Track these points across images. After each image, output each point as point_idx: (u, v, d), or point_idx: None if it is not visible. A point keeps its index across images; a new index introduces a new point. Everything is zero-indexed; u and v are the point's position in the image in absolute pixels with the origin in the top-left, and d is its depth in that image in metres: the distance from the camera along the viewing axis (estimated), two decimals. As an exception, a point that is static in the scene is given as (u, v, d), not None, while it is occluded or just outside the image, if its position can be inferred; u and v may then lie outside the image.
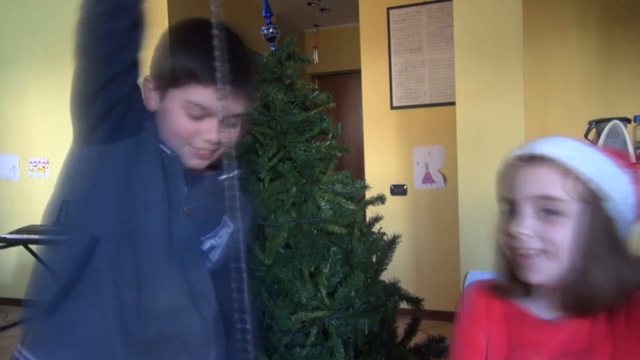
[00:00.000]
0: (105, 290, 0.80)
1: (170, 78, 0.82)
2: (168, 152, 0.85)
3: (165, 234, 0.83)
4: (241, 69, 0.82)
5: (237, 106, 0.83)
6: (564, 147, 0.73)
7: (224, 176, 0.88)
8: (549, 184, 0.71)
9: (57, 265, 0.82)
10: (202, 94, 0.80)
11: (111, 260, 0.80)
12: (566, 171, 0.71)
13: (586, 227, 0.70)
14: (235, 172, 0.84)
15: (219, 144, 0.85)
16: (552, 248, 0.71)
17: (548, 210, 0.71)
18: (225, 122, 0.83)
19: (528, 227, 0.72)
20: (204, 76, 0.79)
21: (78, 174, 0.83)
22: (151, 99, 0.85)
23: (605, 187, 0.71)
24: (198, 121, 0.82)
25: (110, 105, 0.77)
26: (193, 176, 0.89)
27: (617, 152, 0.76)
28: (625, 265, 0.71)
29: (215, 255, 0.93)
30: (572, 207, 0.70)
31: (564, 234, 0.70)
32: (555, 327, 0.75)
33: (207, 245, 0.92)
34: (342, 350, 1.17)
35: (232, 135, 0.86)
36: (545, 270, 0.72)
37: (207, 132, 0.83)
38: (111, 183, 0.80)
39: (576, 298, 0.71)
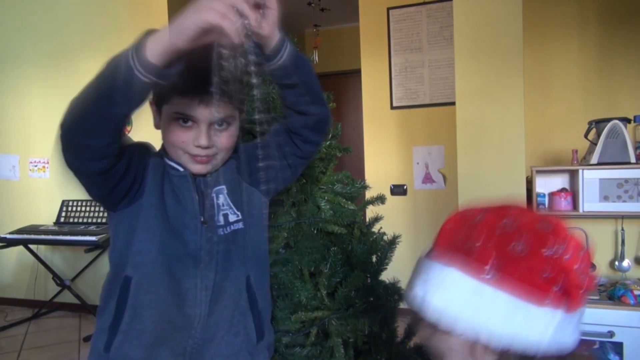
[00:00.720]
0: (146, 317, 0.92)
1: (159, 96, 0.92)
2: (180, 169, 0.96)
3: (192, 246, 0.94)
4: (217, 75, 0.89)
5: (219, 111, 0.91)
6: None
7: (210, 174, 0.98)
8: None
9: (102, 304, 0.97)
10: (185, 104, 0.89)
11: (147, 290, 0.92)
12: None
13: None
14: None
15: (210, 148, 0.93)
16: None
17: None
18: (212, 127, 0.92)
19: None
20: (183, 87, 0.87)
21: (118, 232, 0.96)
22: (155, 118, 0.96)
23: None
24: (188, 130, 0.92)
25: (114, 181, 0.87)
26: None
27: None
28: None
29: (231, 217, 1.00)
30: None
31: None
32: None
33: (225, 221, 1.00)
34: (342, 350, 1.17)
35: (224, 139, 0.94)
36: None
37: (196, 139, 0.91)
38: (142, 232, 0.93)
39: None
